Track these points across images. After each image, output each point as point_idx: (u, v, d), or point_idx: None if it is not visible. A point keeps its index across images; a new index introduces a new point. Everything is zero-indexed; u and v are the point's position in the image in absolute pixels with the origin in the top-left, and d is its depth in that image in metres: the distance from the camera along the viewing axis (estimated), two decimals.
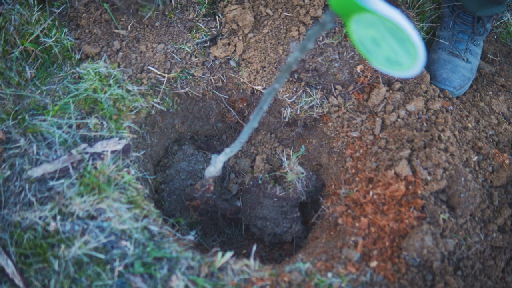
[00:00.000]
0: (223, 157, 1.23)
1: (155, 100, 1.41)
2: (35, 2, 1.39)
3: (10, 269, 1.00)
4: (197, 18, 1.55)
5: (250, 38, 1.53)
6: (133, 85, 1.38)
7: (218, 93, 1.56)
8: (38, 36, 1.37)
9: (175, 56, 1.49)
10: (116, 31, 1.47)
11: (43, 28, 1.37)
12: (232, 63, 1.52)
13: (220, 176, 1.47)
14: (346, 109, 1.54)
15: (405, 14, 1.68)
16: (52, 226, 1.05)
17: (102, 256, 1.03)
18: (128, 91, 1.36)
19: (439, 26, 1.78)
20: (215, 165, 1.28)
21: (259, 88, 1.49)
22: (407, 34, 0.64)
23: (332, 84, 1.56)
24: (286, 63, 0.87)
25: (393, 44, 0.68)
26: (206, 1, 1.55)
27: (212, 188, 1.39)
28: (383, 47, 0.71)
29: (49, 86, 1.33)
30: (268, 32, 1.54)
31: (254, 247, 1.22)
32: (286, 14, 1.53)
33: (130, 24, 1.49)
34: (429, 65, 1.71)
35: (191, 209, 1.47)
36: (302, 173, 1.48)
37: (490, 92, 1.70)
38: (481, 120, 1.56)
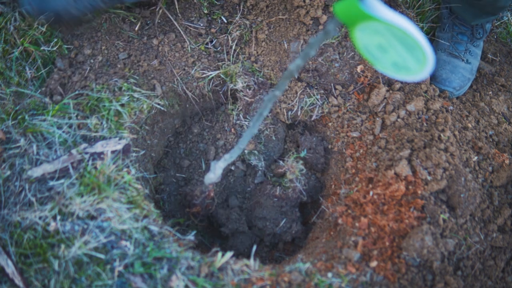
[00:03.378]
0: (222, 163, 1.23)
1: (155, 100, 1.41)
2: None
3: (10, 269, 1.00)
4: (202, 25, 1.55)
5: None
6: (137, 87, 1.38)
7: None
8: (38, 38, 1.37)
9: (176, 55, 1.49)
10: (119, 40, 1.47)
11: (42, 32, 1.37)
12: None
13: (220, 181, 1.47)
14: (346, 109, 1.54)
15: (405, 14, 1.68)
16: (52, 226, 1.05)
17: (102, 256, 1.03)
18: (134, 95, 1.36)
19: (438, 27, 1.78)
20: (215, 172, 1.27)
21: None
22: (416, 41, 0.63)
23: (332, 84, 1.56)
24: (287, 70, 0.86)
25: (400, 51, 0.68)
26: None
27: (212, 194, 1.39)
28: (390, 53, 0.70)
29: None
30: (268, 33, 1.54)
31: (254, 247, 1.22)
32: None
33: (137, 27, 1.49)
34: None
35: (192, 216, 1.47)
36: (302, 170, 1.48)
37: (490, 92, 1.70)
38: (481, 120, 1.56)
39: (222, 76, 1.52)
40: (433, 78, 1.66)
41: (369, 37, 0.69)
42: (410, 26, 0.62)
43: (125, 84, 1.36)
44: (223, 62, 1.54)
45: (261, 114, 0.98)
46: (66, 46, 1.41)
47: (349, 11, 0.66)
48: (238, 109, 1.58)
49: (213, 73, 1.51)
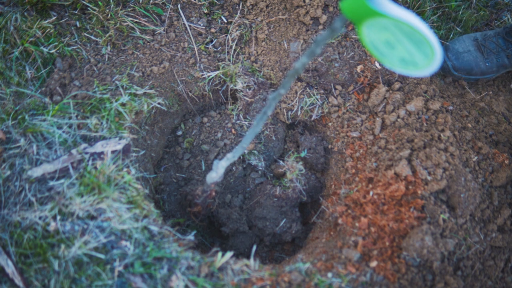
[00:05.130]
0: (225, 162, 1.22)
1: (156, 100, 1.41)
2: (34, 9, 1.40)
3: (10, 269, 1.00)
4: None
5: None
6: (138, 86, 1.38)
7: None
8: (38, 38, 1.37)
9: (177, 55, 1.49)
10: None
11: (43, 33, 1.37)
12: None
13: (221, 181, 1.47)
14: (346, 109, 1.54)
15: None
16: (52, 226, 1.05)
17: (102, 256, 1.03)
18: (135, 95, 1.36)
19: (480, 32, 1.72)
20: (217, 171, 1.27)
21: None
22: (424, 36, 0.63)
23: (332, 84, 1.56)
24: (293, 68, 0.86)
25: (408, 46, 0.68)
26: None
27: (213, 193, 1.39)
28: (398, 49, 0.70)
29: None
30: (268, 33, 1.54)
31: (254, 247, 1.22)
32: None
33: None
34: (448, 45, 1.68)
35: (192, 216, 1.47)
36: (301, 170, 1.48)
37: (491, 92, 1.70)
38: (481, 120, 1.56)
39: (222, 76, 1.52)
40: (446, 48, 1.64)
41: (376, 34, 0.69)
42: (417, 21, 0.62)
43: (126, 83, 1.36)
44: (223, 62, 1.54)
45: (265, 113, 0.98)
46: (67, 48, 1.41)
47: (356, 8, 0.66)
48: (238, 109, 1.58)
49: (213, 74, 1.51)
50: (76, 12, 1.47)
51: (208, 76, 1.51)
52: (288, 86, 0.90)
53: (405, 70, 0.73)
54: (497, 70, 1.64)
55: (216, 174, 1.28)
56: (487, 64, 1.62)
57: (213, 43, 1.57)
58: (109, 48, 1.46)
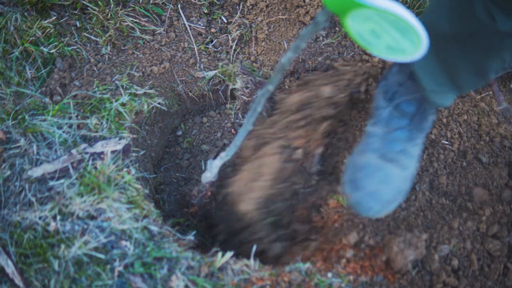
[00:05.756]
0: (218, 161, 1.22)
1: (156, 99, 1.41)
2: (34, 9, 1.40)
3: (10, 269, 1.00)
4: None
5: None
6: (138, 86, 1.38)
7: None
8: (38, 38, 1.37)
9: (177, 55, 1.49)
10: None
11: (43, 33, 1.37)
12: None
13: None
14: None
15: None
16: (52, 226, 1.05)
17: (102, 256, 1.03)
18: (135, 95, 1.36)
19: (369, 121, 1.30)
20: (211, 170, 1.27)
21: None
22: (409, 23, 0.63)
23: None
24: (280, 64, 0.86)
25: (394, 34, 0.67)
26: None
27: (209, 193, 1.39)
28: (384, 38, 0.70)
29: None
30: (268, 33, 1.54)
31: (254, 247, 1.22)
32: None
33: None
34: (351, 172, 1.23)
35: (189, 216, 1.47)
36: None
37: (491, 92, 1.70)
38: (481, 120, 1.56)
39: (220, 75, 1.52)
40: (356, 188, 1.19)
41: (361, 24, 0.69)
42: (401, 10, 0.62)
43: (126, 83, 1.36)
44: (222, 62, 1.54)
45: (255, 110, 0.98)
46: (67, 48, 1.41)
47: (338, 0, 0.66)
48: (236, 108, 1.58)
49: (211, 73, 1.51)
50: (76, 12, 1.47)
51: (207, 76, 1.51)
52: (276, 82, 0.90)
53: (393, 56, 0.73)
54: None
55: (210, 173, 1.28)
56: None
57: (213, 43, 1.57)
58: (109, 48, 1.46)
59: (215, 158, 1.25)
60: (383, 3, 0.62)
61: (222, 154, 1.19)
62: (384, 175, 1.16)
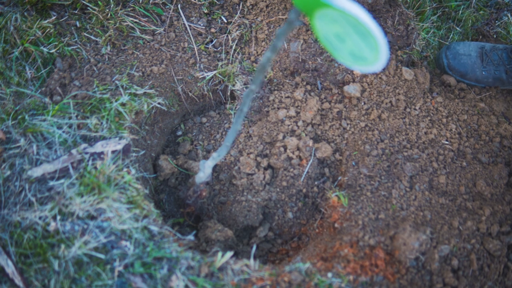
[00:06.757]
0: (211, 162, 1.24)
1: (156, 100, 1.41)
2: (33, 9, 1.40)
3: (10, 269, 1.00)
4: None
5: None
6: (137, 86, 1.38)
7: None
8: (38, 38, 1.37)
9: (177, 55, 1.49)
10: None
11: (43, 33, 1.37)
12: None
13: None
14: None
15: (405, 14, 1.68)
16: (52, 226, 1.05)
17: (102, 256, 1.03)
18: (135, 95, 1.36)
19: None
20: (204, 171, 1.28)
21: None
22: (367, 28, 0.63)
23: (332, 84, 1.56)
24: (260, 64, 0.87)
25: (356, 39, 0.68)
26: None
27: (204, 193, 1.39)
28: (347, 43, 0.71)
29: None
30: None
31: (254, 247, 1.22)
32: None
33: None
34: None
35: (186, 217, 1.47)
36: None
37: (491, 92, 1.70)
38: (481, 120, 1.56)
39: (219, 76, 1.52)
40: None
41: (327, 26, 0.70)
42: (362, 13, 0.62)
43: (126, 83, 1.36)
44: (222, 62, 1.54)
45: (241, 110, 1.00)
46: (67, 48, 1.41)
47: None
48: (236, 108, 1.58)
49: (211, 73, 1.51)
50: (76, 12, 1.47)
51: (207, 76, 1.51)
52: (258, 81, 0.91)
53: (356, 64, 0.74)
54: (493, 82, 1.64)
55: (203, 174, 1.29)
56: (483, 73, 1.62)
57: (213, 43, 1.57)
58: (109, 48, 1.46)
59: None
60: (345, 5, 0.62)
61: (214, 155, 1.20)
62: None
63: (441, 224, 1.26)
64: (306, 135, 1.48)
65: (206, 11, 1.59)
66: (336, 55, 0.75)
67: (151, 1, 1.54)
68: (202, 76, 1.51)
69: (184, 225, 1.50)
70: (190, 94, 1.53)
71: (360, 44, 0.68)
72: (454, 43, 1.69)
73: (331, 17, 0.67)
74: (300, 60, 1.55)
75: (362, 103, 1.50)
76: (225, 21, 1.60)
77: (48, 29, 1.39)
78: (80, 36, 1.45)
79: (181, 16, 1.56)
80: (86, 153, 1.18)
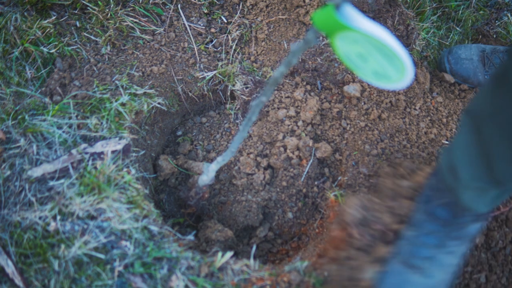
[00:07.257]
0: (215, 165, 1.24)
1: (156, 100, 1.41)
2: (33, 9, 1.40)
3: (10, 269, 1.00)
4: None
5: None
6: (137, 86, 1.38)
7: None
8: (38, 38, 1.37)
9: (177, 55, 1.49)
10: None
11: (43, 33, 1.37)
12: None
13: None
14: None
15: (405, 14, 1.68)
16: (52, 226, 1.05)
17: (102, 256, 1.03)
18: (135, 95, 1.36)
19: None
20: (208, 174, 1.29)
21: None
22: (393, 51, 0.63)
23: (332, 84, 1.56)
24: (272, 77, 0.87)
25: (380, 60, 0.67)
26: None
27: (206, 195, 1.40)
28: (370, 62, 0.70)
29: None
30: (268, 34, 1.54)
31: (254, 247, 1.22)
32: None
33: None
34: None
35: (187, 217, 1.48)
36: None
37: None
38: None
39: (219, 76, 1.52)
40: None
41: (348, 46, 0.69)
42: (387, 36, 0.62)
43: (126, 83, 1.36)
44: (222, 62, 1.54)
45: (249, 119, 1.00)
46: (67, 48, 1.41)
47: (326, 21, 0.65)
48: (236, 108, 1.58)
49: (211, 73, 1.51)
50: (76, 11, 1.47)
51: (207, 76, 1.51)
52: (270, 94, 0.92)
53: (379, 82, 0.73)
54: None
55: (207, 177, 1.30)
56: (486, 77, 1.61)
57: (213, 43, 1.57)
58: (109, 48, 1.46)
59: (209, 160, 1.27)
60: (369, 28, 0.62)
61: (219, 159, 1.21)
62: (400, 281, 1.04)
63: None
64: (306, 135, 1.48)
65: (206, 11, 1.59)
66: (358, 72, 0.74)
67: (151, 1, 1.54)
68: (202, 76, 1.51)
69: (184, 225, 1.50)
70: (190, 94, 1.53)
71: (384, 64, 0.68)
72: (456, 47, 1.69)
73: (353, 38, 0.66)
74: (300, 60, 1.55)
75: (362, 103, 1.50)
76: (225, 21, 1.60)
77: (48, 29, 1.39)
78: (80, 36, 1.45)
79: (181, 16, 1.56)
80: (86, 153, 1.18)
